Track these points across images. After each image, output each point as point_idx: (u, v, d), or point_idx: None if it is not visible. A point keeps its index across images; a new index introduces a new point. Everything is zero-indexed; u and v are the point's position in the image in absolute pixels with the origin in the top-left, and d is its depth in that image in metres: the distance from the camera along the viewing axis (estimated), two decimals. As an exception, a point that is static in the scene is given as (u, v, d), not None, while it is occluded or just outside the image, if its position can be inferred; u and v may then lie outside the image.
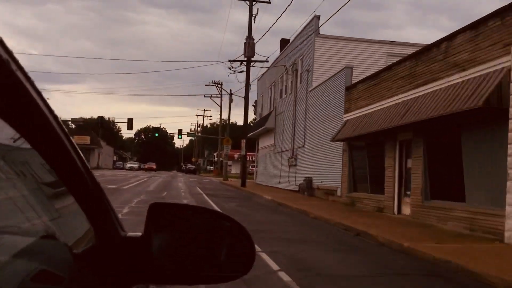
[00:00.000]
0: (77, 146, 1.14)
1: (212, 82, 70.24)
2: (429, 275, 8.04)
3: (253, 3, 36.07)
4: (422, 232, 12.61)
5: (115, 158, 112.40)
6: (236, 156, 77.14)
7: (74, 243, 1.22)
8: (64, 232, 1.21)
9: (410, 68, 16.22)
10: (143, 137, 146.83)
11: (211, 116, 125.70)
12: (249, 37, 36.12)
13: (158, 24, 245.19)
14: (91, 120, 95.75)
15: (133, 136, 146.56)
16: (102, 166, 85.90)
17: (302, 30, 31.37)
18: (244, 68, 37.87)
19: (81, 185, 1.18)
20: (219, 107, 73.95)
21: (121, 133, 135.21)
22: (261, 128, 40.95)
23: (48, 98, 1.09)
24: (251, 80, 38.32)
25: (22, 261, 0.95)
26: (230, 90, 63.14)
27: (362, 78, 21.50)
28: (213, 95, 73.17)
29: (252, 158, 58.18)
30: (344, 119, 22.09)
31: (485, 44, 12.23)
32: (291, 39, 35.14)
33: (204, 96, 74.76)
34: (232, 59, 39.97)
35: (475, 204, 12.66)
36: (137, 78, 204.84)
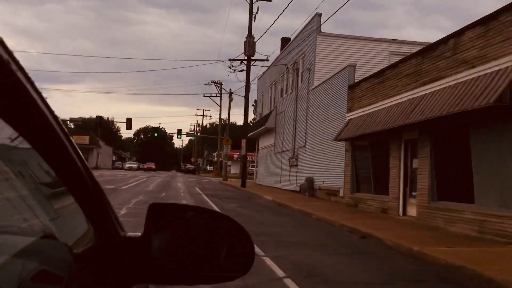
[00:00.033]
0: (77, 146, 1.13)
1: (211, 82, 69.77)
2: (443, 282, 7.60)
3: (254, 1, 35.64)
4: (430, 234, 12.17)
5: (114, 158, 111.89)
6: (235, 156, 76.74)
7: (73, 243, 1.23)
8: (63, 232, 1.22)
9: (416, 66, 15.78)
10: (142, 137, 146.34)
11: (210, 116, 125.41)
12: (250, 36, 35.69)
13: (158, 24, 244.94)
14: (90, 120, 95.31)
15: (132, 136, 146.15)
16: (101, 166, 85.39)
17: (303, 29, 30.93)
18: (244, 67, 37.43)
19: (81, 185, 1.17)
20: (219, 107, 73.54)
21: (120, 133, 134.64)
22: (261, 128, 40.51)
23: (46, 97, 1.03)
24: (251, 79, 37.94)
25: (22, 261, 0.96)
26: (230, 89, 62.72)
27: (364, 77, 21.08)
28: (212, 95, 72.74)
29: (252, 158, 57.74)
30: (347, 118, 21.65)
31: (496, 40, 11.79)
32: (292, 37, 34.71)
33: (204, 96, 74.36)
34: (230, 62, 39.43)
35: (485, 205, 12.21)
36: (137, 78, 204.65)
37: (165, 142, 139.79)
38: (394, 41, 28.51)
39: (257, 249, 9.22)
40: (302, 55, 30.85)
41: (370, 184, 19.64)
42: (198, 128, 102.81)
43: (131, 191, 25.28)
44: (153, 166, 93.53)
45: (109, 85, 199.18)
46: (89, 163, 1.67)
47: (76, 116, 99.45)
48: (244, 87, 36.95)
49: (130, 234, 1.33)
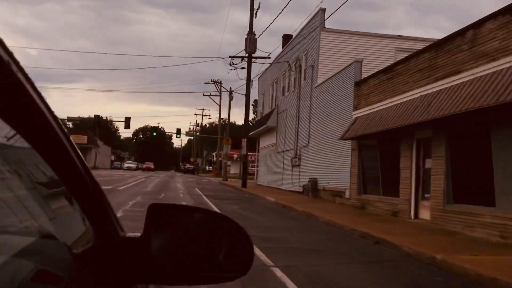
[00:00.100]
0: (76, 147, 1.13)
1: (211, 81, 68.85)
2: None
3: (255, -4, 34.74)
4: (449, 240, 11.30)
5: (112, 157, 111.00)
6: (235, 156, 75.90)
7: (73, 243, 1.24)
8: (63, 232, 1.23)
9: (430, 60, 14.91)
10: (141, 136, 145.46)
11: (210, 116, 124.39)
12: (251, 32, 34.80)
13: (158, 24, 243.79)
14: (88, 119, 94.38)
15: (131, 136, 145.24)
16: (100, 166, 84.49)
17: (306, 25, 30.03)
18: (245, 64, 36.61)
19: (81, 185, 1.17)
20: (218, 107, 72.64)
21: (119, 133, 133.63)
22: (262, 127, 39.62)
23: (45, 98, 1.02)
24: (252, 77, 37.05)
25: (22, 261, 0.96)
26: (230, 88, 61.86)
27: (369, 74, 20.22)
28: (212, 94, 71.83)
29: (252, 158, 56.83)
30: (354, 116, 20.76)
31: (521, 30, 10.93)
32: (294, 34, 33.81)
33: (203, 95, 73.40)
34: (231, 59, 38.55)
35: (507, 209, 11.34)
36: (136, 78, 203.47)
37: (164, 142, 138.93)
38: (400, 37, 27.64)
39: (264, 258, 8.36)
40: (305, 52, 29.95)
41: (378, 185, 18.76)
42: (197, 127, 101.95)
43: (128, 192, 24.45)
44: (152, 166, 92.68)
45: (108, 85, 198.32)
46: (87, 163, 1.22)
47: (75, 115, 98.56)
48: (244, 85, 36.07)
49: (129, 234, 1.33)
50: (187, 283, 1.31)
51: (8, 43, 0.88)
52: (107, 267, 1.27)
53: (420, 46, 19.72)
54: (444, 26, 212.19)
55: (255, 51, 35.37)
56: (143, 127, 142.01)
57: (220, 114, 74.04)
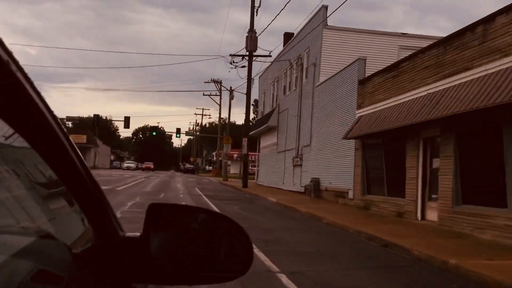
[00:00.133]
0: (76, 146, 1.12)
1: (211, 80, 68.35)
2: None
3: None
4: (460, 243, 10.85)
5: (112, 157, 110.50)
6: (235, 155, 75.45)
7: (73, 243, 1.23)
8: (63, 232, 1.22)
9: (437, 57, 14.45)
10: (140, 136, 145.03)
11: (210, 115, 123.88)
12: (251, 30, 34.34)
13: (158, 24, 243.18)
14: (87, 119, 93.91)
15: (131, 136, 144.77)
16: (99, 166, 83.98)
17: (308, 22, 29.56)
18: (245, 63, 36.16)
19: (80, 185, 1.17)
20: (219, 106, 72.18)
21: (118, 132, 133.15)
22: (263, 126, 39.15)
23: (44, 97, 1.01)
24: (252, 76, 36.59)
25: (21, 261, 0.96)
26: (231, 87, 61.44)
27: (372, 72, 19.78)
28: (212, 94, 71.37)
29: (252, 157, 56.37)
30: (357, 115, 20.31)
31: (535, 24, 10.49)
32: (296, 32, 33.36)
33: (203, 94, 72.86)
34: (231, 58, 38.08)
35: (520, 210, 10.91)
36: (136, 77, 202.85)
37: (163, 142, 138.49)
38: (403, 35, 27.18)
39: (269, 263, 7.92)
40: (307, 50, 29.49)
41: (382, 185, 18.31)
42: (197, 127, 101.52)
43: (127, 192, 24.03)
44: (152, 166, 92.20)
45: (108, 84, 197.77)
46: (86, 162, 1.18)
47: (74, 115, 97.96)
48: (245, 84, 35.65)
49: (129, 234, 1.33)
50: (186, 282, 1.31)
51: (7, 42, 0.88)
52: (106, 266, 1.27)
53: (424, 44, 19.29)
54: (444, 26, 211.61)
55: (256, 49, 34.93)
56: (143, 126, 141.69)
57: (220, 113, 73.68)
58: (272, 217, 16.24)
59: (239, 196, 26.85)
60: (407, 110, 15.48)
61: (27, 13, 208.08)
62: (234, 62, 37.71)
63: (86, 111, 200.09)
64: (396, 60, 20.27)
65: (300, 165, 29.48)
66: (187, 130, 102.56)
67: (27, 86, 0.92)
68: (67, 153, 1.09)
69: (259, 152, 44.80)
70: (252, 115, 69.12)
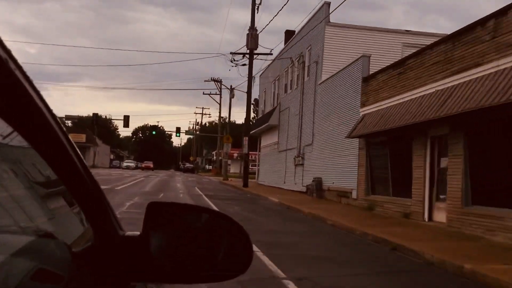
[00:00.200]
0: (75, 146, 1.12)
1: (211, 79, 67.86)
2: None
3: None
4: (472, 246, 10.40)
5: (112, 156, 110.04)
6: (235, 155, 75.01)
7: (72, 242, 1.23)
8: (62, 231, 1.23)
9: (446, 53, 13.99)
10: (140, 135, 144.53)
11: (210, 115, 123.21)
12: (252, 28, 33.87)
13: (157, 23, 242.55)
14: (87, 118, 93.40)
15: (131, 135, 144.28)
16: (98, 165, 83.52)
17: (310, 19, 29.09)
18: (246, 61, 35.68)
19: (80, 184, 1.16)
20: (218, 106, 71.69)
21: (118, 132, 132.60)
22: (264, 125, 38.68)
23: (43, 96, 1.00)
24: (253, 74, 36.11)
25: (21, 260, 0.96)
26: (231, 86, 60.84)
27: (376, 69, 19.32)
28: (212, 93, 70.86)
29: (252, 157, 55.92)
30: (361, 114, 19.85)
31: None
32: (297, 30, 32.89)
33: (203, 93, 72.33)
34: (232, 56, 37.59)
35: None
36: (136, 77, 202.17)
37: (163, 141, 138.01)
38: (407, 32, 26.71)
39: (274, 268, 7.46)
40: (309, 48, 29.02)
41: (387, 185, 17.86)
42: (197, 126, 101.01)
43: (126, 192, 23.59)
44: (151, 165, 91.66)
45: (107, 84, 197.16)
46: (86, 161, 1.16)
47: (74, 114, 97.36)
48: (245, 83, 35.22)
49: (129, 233, 1.32)
50: (186, 281, 1.31)
51: (6, 41, 0.88)
52: (106, 265, 1.26)
53: (428, 41, 18.84)
54: (444, 25, 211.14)
55: (257, 47, 34.47)
56: (143, 126, 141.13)
57: (220, 112, 73.25)
58: (274, 218, 15.80)
59: (240, 196, 26.41)
60: (414, 108, 15.02)
61: (27, 12, 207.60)
62: (234, 60, 37.27)
63: (85, 110, 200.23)
64: (399, 58, 19.86)
65: (302, 165, 29.02)
66: (187, 129, 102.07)
67: (26, 85, 0.92)
68: (67, 152, 1.08)
69: (259, 151, 44.35)
70: (252, 115, 68.68)
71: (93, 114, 59.80)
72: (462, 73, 12.96)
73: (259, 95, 48.14)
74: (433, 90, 14.27)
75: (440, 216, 14.21)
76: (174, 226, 1.29)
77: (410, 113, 15.06)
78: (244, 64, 36.12)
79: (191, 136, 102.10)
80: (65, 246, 1.17)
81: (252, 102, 64.55)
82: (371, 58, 20.86)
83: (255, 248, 9.13)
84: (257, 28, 34.14)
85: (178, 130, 73.43)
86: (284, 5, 34.56)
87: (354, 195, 20.58)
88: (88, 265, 1.23)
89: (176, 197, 22.72)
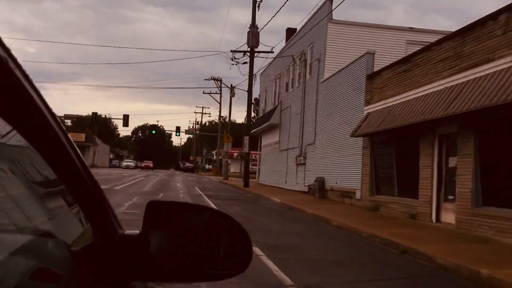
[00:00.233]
0: (75, 145, 1.12)
1: (211, 78, 67.42)
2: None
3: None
4: (486, 249, 9.96)
5: (111, 156, 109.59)
6: (235, 154, 74.59)
7: (72, 242, 1.24)
8: (62, 230, 1.24)
9: (455, 49, 13.55)
10: (140, 135, 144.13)
11: (210, 114, 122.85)
12: (253, 25, 33.41)
13: (157, 23, 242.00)
14: (87, 117, 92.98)
15: (130, 134, 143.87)
16: (98, 165, 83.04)
17: (312, 16, 28.64)
18: (247, 59, 35.22)
19: (80, 184, 1.16)
20: (219, 104, 71.26)
21: (118, 131, 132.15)
22: (264, 124, 38.23)
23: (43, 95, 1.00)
24: (254, 73, 35.66)
25: (20, 259, 0.96)
26: (231, 84, 60.46)
27: (379, 67, 18.88)
28: (212, 92, 70.41)
29: (253, 156, 55.49)
30: (365, 112, 19.40)
31: None
32: (299, 28, 32.44)
33: (203, 92, 71.81)
34: (232, 54, 37.15)
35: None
36: (136, 76, 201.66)
37: (163, 140, 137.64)
38: (411, 29, 26.26)
39: (280, 274, 7.03)
40: (311, 45, 28.57)
41: (393, 185, 17.42)
42: (197, 126, 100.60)
43: (125, 192, 23.16)
44: (151, 165, 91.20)
45: (107, 83, 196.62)
46: (85, 161, 1.13)
47: (74, 113, 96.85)
48: (245, 81, 34.78)
49: (128, 232, 1.31)
50: (185, 280, 1.31)
51: (6, 41, 0.88)
52: (106, 264, 1.26)
53: (432, 38, 18.44)
54: (444, 25, 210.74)
55: (258, 45, 34.02)
56: (142, 125, 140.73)
57: (220, 111, 72.80)
58: (277, 219, 15.36)
59: (241, 196, 25.99)
60: (421, 105, 14.58)
61: (26, 11, 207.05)
62: (235, 58, 36.83)
63: (85, 110, 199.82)
64: (403, 55, 19.43)
65: (304, 164, 28.58)
66: (186, 128, 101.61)
67: (26, 84, 0.91)
68: (67, 152, 1.07)
69: (260, 150, 43.91)
70: (252, 114, 68.21)
71: (93, 113, 59.24)
72: (472, 69, 12.52)
73: (259, 94, 47.71)
74: (442, 87, 13.83)
75: (448, 217, 13.78)
76: (173, 225, 1.29)
77: (417, 111, 14.63)
78: (245, 62, 35.71)
79: (191, 136, 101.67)
80: (64, 245, 1.16)
81: (252, 101, 64.18)
82: (375, 55, 20.40)
83: (258, 252, 8.70)
84: (258, 26, 33.70)
85: (178, 129, 73.06)
86: (285, 2, 34.05)
87: (357, 195, 20.14)
88: (87, 264, 1.22)
89: (176, 197, 22.30)
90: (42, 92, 0.97)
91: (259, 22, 51.80)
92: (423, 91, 14.98)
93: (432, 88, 14.44)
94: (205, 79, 68.74)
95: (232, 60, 36.93)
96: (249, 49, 34.38)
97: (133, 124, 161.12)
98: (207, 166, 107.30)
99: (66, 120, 78.11)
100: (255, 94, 48.35)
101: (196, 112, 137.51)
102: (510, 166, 11.59)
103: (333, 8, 25.50)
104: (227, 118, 68.95)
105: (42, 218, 1.17)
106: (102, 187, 1.25)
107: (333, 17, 26.01)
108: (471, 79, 12.43)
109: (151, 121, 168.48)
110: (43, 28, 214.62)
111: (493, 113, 11.46)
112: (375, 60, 20.21)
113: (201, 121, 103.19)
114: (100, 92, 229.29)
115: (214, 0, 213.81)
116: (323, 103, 25.76)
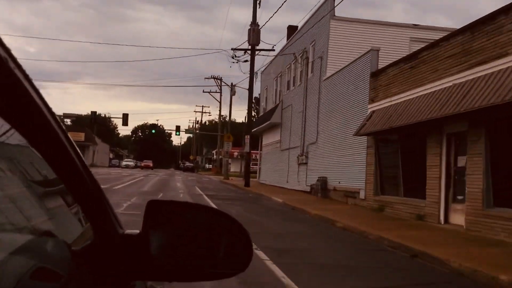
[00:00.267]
0: (75, 144, 1.12)
1: (211, 77, 66.98)
2: None
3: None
4: (499, 252, 9.53)
5: (111, 155, 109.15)
6: (235, 154, 74.20)
7: (72, 241, 1.23)
8: (62, 230, 1.23)
9: (464, 44, 13.11)
10: (140, 134, 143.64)
11: (210, 113, 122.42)
12: (254, 23, 32.96)
13: (157, 22, 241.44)
14: (86, 117, 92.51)
15: (130, 133, 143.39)
16: (97, 164, 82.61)
17: (314, 13, 28.20)
18: (247, 57, 34.79)
19: (80, 183, 1.16)
20: (219, 103, 70.81)
21: (117, 130, 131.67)
22: (265, 123, 37.80)
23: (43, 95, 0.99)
24: (255, 71, 35.20)
25: (20, 258, 0.95)
26: (232, 83, 60.00)
27: (383, 64, 18.45)
28: (212, 91, 69.95)
29: (253, 155, 55.05)
30: (369, 110, 18.97)
31: None
32: (300, 25, 31.99)
33: (203, 91, 71.36)
34: (233, 52, 36.71)
35: None
36: (136, 76, 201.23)
37: (163, 140, 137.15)
38: (415, 26, 25.82)
39: (287, 281, 6.62)
40: (313, 43, 28.13)
41: (398, 185, 16.98)
42: (197, 125, 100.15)
43: (125, 192, 22.71)
44: (151, 164, 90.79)
45: (107, 82, 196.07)
46: (85, 160, 1.09)
47: (73, 112, 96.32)
48: (245, 80, 34.33)
49: (128, 231, 1.31)
50: (186, 279, 1.29)
51: (6, 40, 0.87)
52: (106, 264, 1.25)
53: (437, 35, 18.03)
54: (444, 24, 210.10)
55: (259, 43, 33.58)
56: (142, 124, 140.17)
57: (220, 111, 72.39)
58: (280, 220, 14.92)
59: (242, 196, 25.56)
60: (428, 103, 14.15)
61: (26, 11, 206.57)
62: (236, 57, 36.39)
63: (85, 109, 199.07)
64: (407, 53, 19.01)
65: (306, 163, 28.15)
66: (186, 128, 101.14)
67: (26, 84, 0.90)
68: (66, 151, 1.07)
69: (261, 150, 43.48)
70: (252, 113, 67.73)
71: (92, 112, 58.76)
72: (483, 65, 12.08)
73: (260, 93, 47.27)
74: (450, 84, 13.39)
75: (458, 219, 13.35)
76: (174, 224, 1.28)
77: (425, 108, 14.19)
78: (246, 61, 35.27)
79: (191, 135, 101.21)
80: (64, 244, 1.16)
81: (253, 100, 63.74)
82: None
83: (262, 255, 8.28)
84: (258, 24, 33.24)
85: (178, 128, 72.57)
86: (283, 3, 33.57)
87: (362, 195, 19.71)
88: (87, 263, 1.21)
89: (176, 197, 21.85)
90: (42, 91, 0.97)
91: (260, 21, 51.59)
92: (430, 88, 14.55)
93: (440, 85, 14.00)
94: (205, 78, 68.36)
95: (232, 58, 36.54)
96: (250, 47, 33.92)
97: (133, 123, 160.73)
98: (207, 165, 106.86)
99: (65, 119, 77.60)
100: (256, 92, 47.93)
101: (196, 111, 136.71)
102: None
103: (335, 5, 25.05)
104: (227, 117, 68.53)
105: (42, 218, 1.16)
106: (102, 186, 1.22)
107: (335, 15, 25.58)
108: (482, 75, 11.99)
109: (151, 120, 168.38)
110: (43, 28, 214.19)
111: (505, 111, 11.02)
112: (379, 57, 19.77)
113: (201, 120, 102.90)
114: (100, 91, 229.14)
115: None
116: (325, 102, 25.32)
